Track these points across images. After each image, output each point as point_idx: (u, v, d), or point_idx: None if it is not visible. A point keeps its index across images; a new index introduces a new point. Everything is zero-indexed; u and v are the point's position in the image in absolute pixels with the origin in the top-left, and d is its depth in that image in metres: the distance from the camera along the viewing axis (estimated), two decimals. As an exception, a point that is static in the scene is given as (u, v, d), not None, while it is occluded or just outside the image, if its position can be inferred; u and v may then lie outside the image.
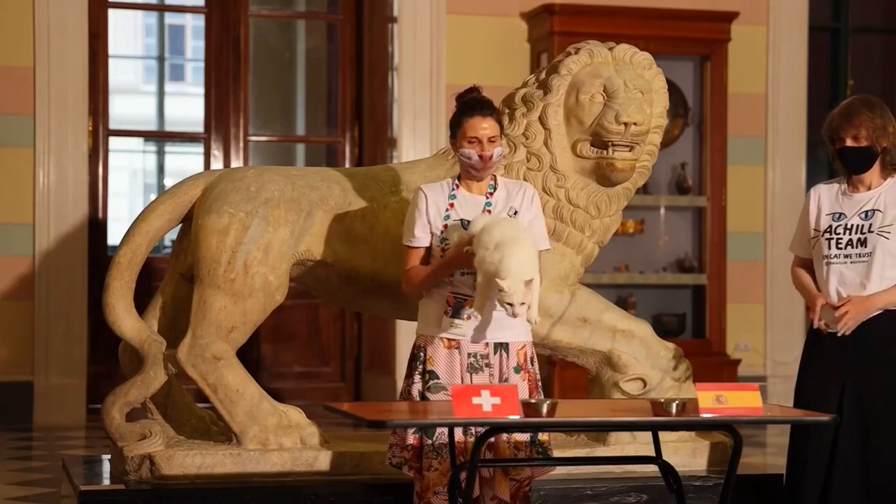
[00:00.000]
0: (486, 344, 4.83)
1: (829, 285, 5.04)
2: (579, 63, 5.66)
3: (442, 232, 4.85)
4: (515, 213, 4.88)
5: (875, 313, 4.98)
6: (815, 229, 5.12)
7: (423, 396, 4.82)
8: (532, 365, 4.89)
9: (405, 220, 4.97)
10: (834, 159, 5.13)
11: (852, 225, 5.04)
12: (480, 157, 4.82)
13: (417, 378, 4.85)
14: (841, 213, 5.08)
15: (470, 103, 4.90)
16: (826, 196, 5.15)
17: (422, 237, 4.88)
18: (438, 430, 4.76)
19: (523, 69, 9.15)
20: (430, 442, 4.77)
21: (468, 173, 4.90)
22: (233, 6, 9.68)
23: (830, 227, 5.07)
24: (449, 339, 4.82)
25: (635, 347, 5.82)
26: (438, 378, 4.80)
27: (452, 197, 4.89)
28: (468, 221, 4.83)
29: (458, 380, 4.80)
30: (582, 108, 5.60)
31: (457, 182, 4.93)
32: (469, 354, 4.82)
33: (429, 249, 4.89)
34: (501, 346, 4.84)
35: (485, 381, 4.78)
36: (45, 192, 8.86)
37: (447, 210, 4.86)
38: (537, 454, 4.82)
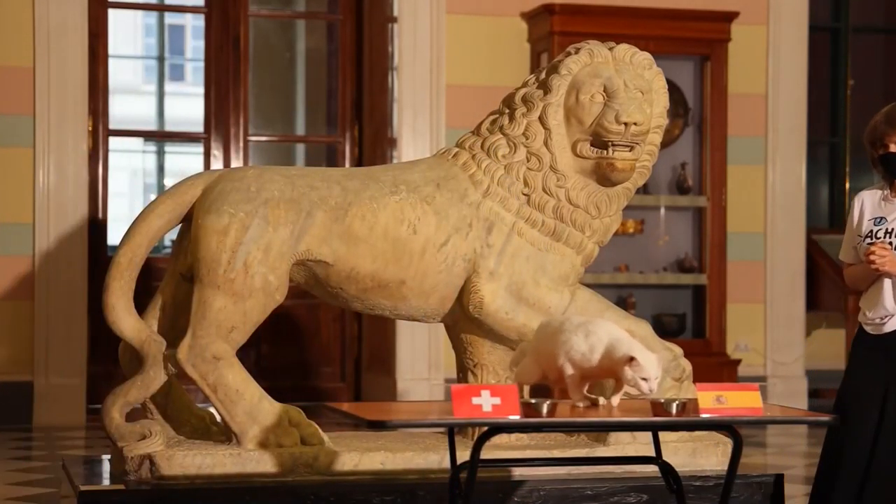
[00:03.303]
0: None
1: (877, 288, 5.05)
2: (579, 63, 5.65)
3: None
4: None
5: None
6: (857, 234, 5.16)
7: None
8: None
9: None
10: (875, 165, 5.15)
11: (892, 229, 5.06)
12: None
13: None
14: (882, 218, 5.11)
15: None
16: (869, 201, 5.18)
17: None
18: None
19: (523, 69, 9.15)
20: None
21: None
22: (233, 6, 9.68)
23: (871, 231, 5.10)
24: None
25: (635, 347, 5.82)
26: None
27: None
28: None
29: None
30: (582, 108, 5.59)
31: None
32: None
33: None
34: None
35: None
36: (45, 192, 8.85)
37: None
38: None
